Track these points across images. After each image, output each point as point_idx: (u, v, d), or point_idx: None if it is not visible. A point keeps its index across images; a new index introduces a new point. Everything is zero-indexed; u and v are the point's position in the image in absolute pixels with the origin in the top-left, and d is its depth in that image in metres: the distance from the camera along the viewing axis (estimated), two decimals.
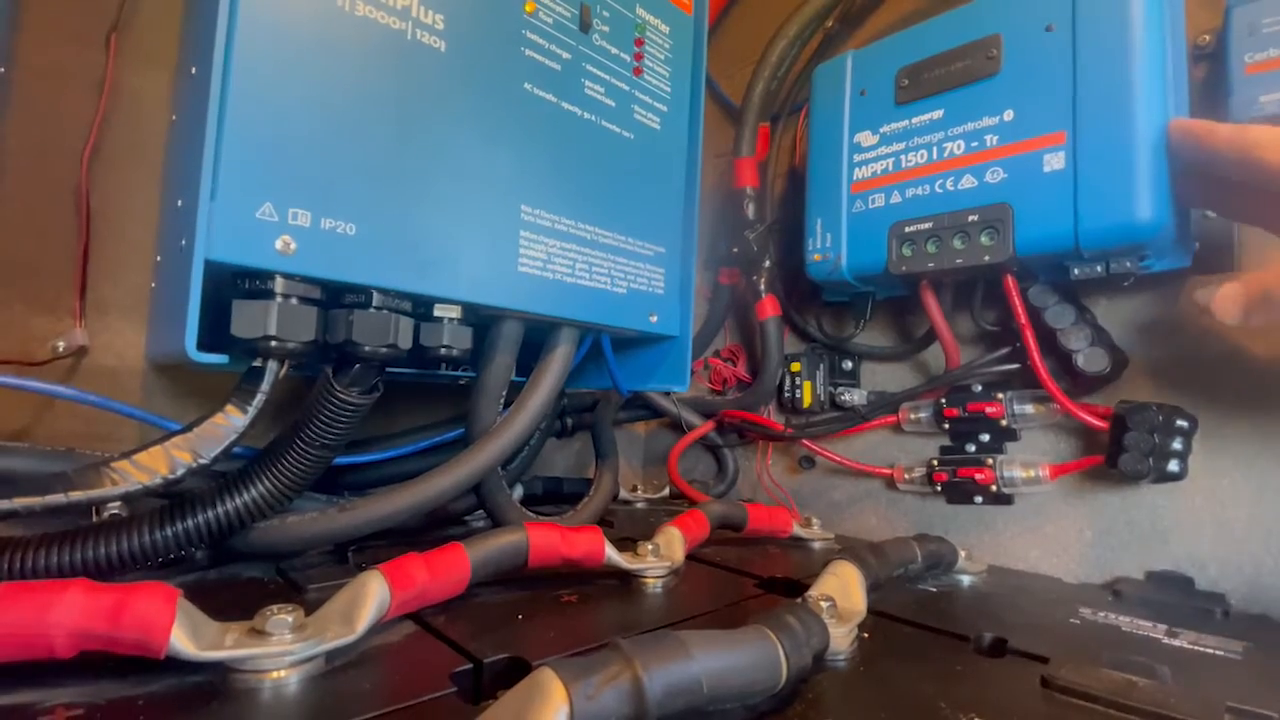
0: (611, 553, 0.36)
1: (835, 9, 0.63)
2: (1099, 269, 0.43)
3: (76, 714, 0.20)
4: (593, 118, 0.44)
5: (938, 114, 0.49)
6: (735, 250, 0.65)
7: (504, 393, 0.45)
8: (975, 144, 0.47)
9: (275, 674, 0.23)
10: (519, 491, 0.56)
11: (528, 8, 0.40)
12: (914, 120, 0.50)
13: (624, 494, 0.69)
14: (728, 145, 0.67)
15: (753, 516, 0.50)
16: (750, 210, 0.64)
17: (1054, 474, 0.48)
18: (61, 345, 0.41)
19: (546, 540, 0.34)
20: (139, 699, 0.22)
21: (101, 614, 0.21)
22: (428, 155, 0.35)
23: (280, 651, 0.23)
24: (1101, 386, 0.48)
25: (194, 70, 0.33)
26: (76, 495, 0.27)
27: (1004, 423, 0.51)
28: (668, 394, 0.70)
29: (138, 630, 0.21)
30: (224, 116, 0.29)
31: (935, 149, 0.49)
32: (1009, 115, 0.45)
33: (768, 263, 0.64)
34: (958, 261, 0.47)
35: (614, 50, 0.45)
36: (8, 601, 0.21)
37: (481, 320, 0.41)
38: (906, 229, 0.50)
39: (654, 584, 0.38)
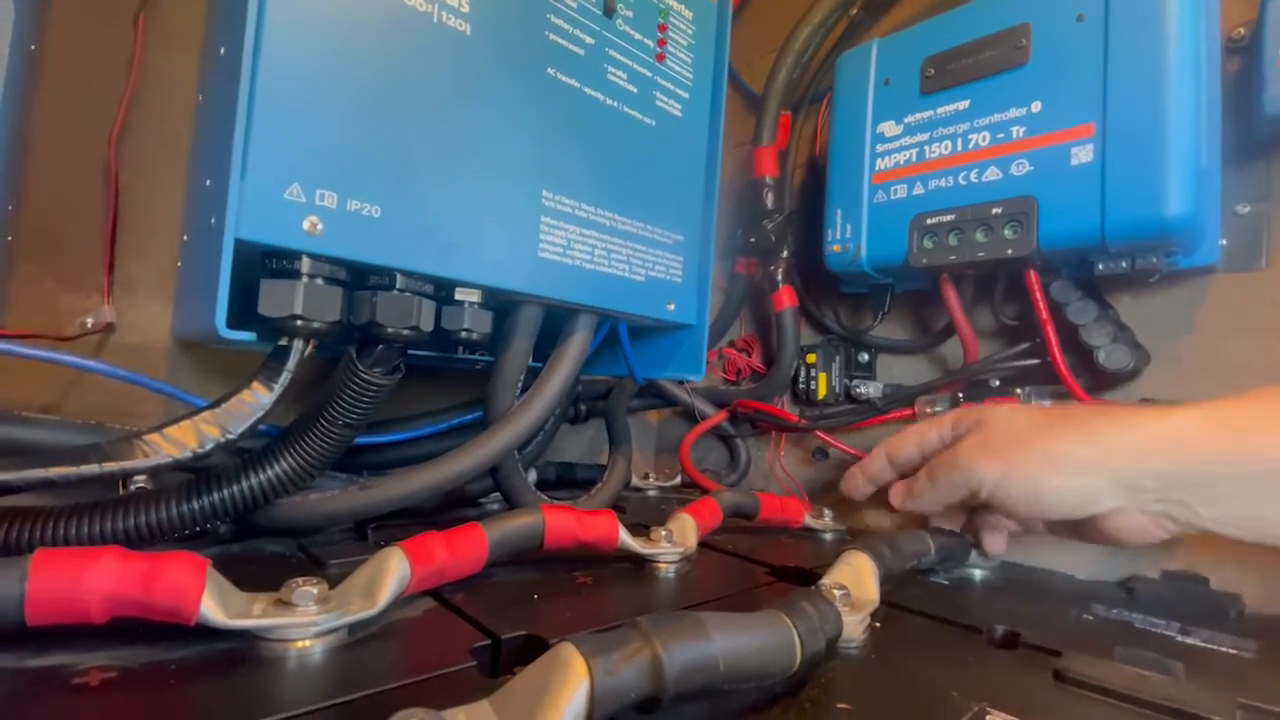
0: (626, 537, 0.37)
1: None
2: (1124, 264, 0.43)
3: (110, 676, 0.21)
4: (615, 104, 0.44)
5: (963, 104, 0.48)
6: (753, 240, 0.65)
7: (521, 377, 0.45)
8: (1001, 135, 0.46)
9: (301, 643, 0.24)
10: (533, 475, 0.57)
11: None
12: (939, 110, 0.50)
13: (636, 481, 0.69)
14: (748, 134, 0.67)
15: (765, 506, 0.50)
16: (769, 199, 0.64)
17: None
18: (90, 322, 0.42)
19: (562, 523, 0.34)
20: (170, 663, 0.22)
21: (135, 580, 0.22)
22: (451, 138, 0.35)
23: (305, 622, 0.24)
24: (1122, 384, 0.47)
25: (222, 51, 0.33)
26: (110, 466, 0.28)
27: None
28: (681, 383, 0.70)
29: (170, 597, 0.22)
30: (254, 97, 0.29)
31: (960, 140, 0.48)
32: (1036, 106, 0.45)
33: (786, 253, 0.64)
34: (980, 255, 0.46)
35: (637, 36, 0.45)
36: (45, 566, 0.21)
37: (501, 305, 0.42)
38: (928, 221, 0.49)
39: (667, 569, 0.38)
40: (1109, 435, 0.33)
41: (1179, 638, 0.34)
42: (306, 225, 0.30)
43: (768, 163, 0.64)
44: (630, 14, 0.44)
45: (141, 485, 0.35)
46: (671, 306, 0.48)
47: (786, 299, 0.63)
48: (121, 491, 0.35)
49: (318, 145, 0.31)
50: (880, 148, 0.53)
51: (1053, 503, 0.35)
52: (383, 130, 0.33)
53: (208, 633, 0.23)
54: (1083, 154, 0.42)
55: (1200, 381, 0.45)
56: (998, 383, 0.52)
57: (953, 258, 0.48)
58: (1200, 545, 0.44)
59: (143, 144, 0.43)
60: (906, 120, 0.52)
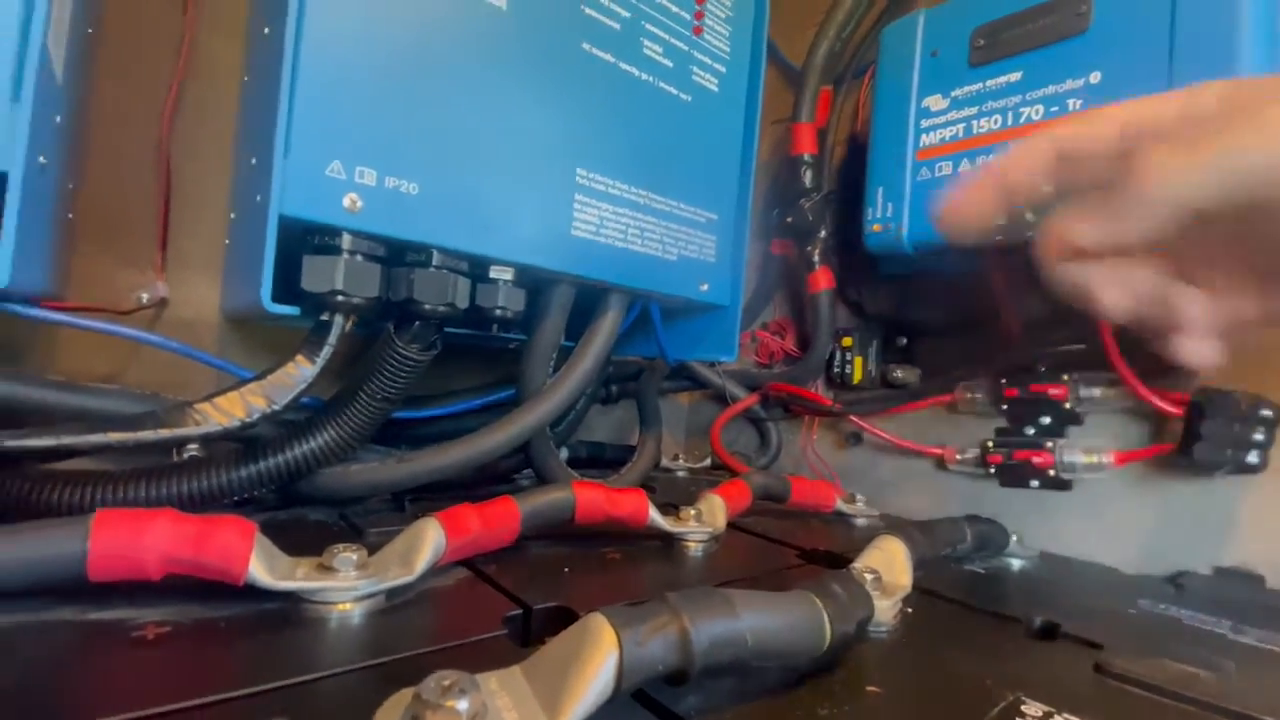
0: (655, 515, 0.37)
1: None
2: None
3: (165, 630, 0.22)
4: (650, 79, 0.43)
5: (1015, 76, 0.46)
6: (789, 220, 0.64)
7: (554, 355, 0.45)
8: (1055, 109, 0.44)
9: (341, 606, 0.25)
10: (564, 454, 0.58)
11: None
12: (989, 83, 0.48)
13: (666, 462, 0.69)
14: (786, 110, 0.65)
15: (796, 489, 0.49)
16: (807, 178, 0.62)
17: (1120, 460, 0.46)
18: (145, 297, 0.43)
19: (592, 498, 0.35)
20: (220, 620, 0.23)
21: (188, 541, 0.23)
22: (487, 116, 0.36)
23: (346, 586, 0.25)
24: (1177, 369, 0.45)
25: (267, 31, 0.34)
26: (165, 433, 0.29)
27: (1068, 405, 0.48)
28: (712, 365, 0.69)
29: (220, 558, 0.23)
30: (296, 76, 0.30)
31: (1010, 114, 0.46)
32: (1095, 78, 0.42)
33: (823, 233, 0.62)
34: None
35: (674, 9, 0.44)
36: (106, 525, 0.23)
37: (535, 283, 0.42)
38: None
39: (695, 548, 0.38)
40: None
41: (1231, 636, 0.32)
42: (346, 202, 0.31)
43: (806, 140, 0.62)
44: None
45: (194, 453, 0.37)
46: (705, 287, 0.48)
47: (823, 281, 0.62)
48: (176, 459, 0.37)
49: (357, 123, 0.31)
50: (925, 123, 0.51)
51: None
52: (420, 108, 0.33)
53: (255, 593, 0.24)
54: None
55: (1263, 370, 0.42)
56: (1043, 369, 0.50)
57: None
58: (1256, 538, 0.42)
59: (193, 124, 0.44)
60: (954, 94, 0.50)
